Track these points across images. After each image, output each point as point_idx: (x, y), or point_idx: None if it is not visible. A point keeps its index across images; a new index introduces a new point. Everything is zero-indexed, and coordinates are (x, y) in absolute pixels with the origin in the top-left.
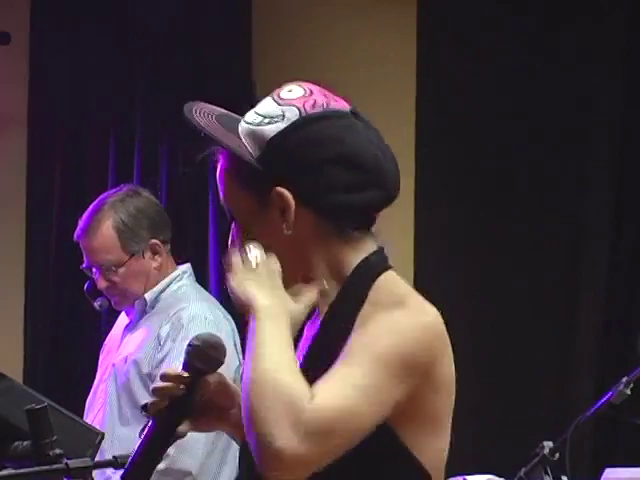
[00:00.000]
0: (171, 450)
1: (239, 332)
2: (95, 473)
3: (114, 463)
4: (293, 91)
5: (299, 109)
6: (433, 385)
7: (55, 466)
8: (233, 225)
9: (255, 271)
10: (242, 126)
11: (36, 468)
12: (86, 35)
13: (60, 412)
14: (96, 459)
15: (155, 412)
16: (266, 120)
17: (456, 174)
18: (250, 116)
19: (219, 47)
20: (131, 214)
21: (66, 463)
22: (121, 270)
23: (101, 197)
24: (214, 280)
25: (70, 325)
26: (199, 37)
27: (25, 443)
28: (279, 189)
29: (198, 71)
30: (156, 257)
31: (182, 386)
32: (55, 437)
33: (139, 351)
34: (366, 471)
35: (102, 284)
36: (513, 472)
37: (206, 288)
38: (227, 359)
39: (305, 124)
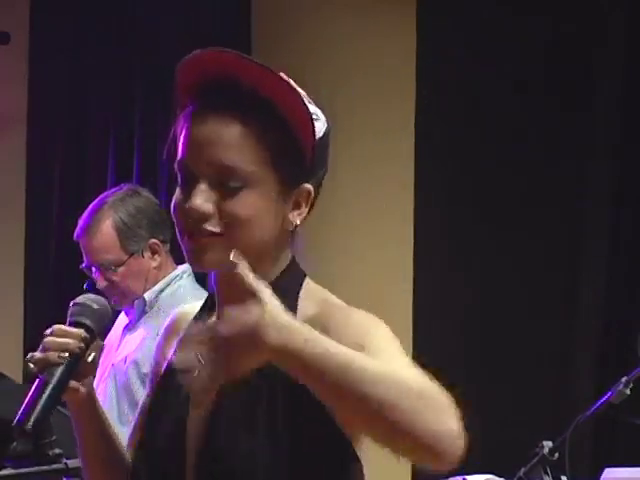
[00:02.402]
0: None
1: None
2: None
3: None
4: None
5: (322, 114)
6: None
7: (55, 466)
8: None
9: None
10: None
11: (36, 468)
12: (86, 35)
13: (60, 412)
14: None
15: (43, 368)
16: (315, 116)
17: (456, 174)
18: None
19: (219, 47)
20: (131, 214)
21: (66, 463)
22: (120, 269)
23: (101, 197)
24: (214, 280)
25: (70, 325)
26: (199, 37)
27: (25, 443)
28: (308, 186)
29: None
30: (155, 257)
31: (82, 345)
32: (55, 437)
33: (139, 351)
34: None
35: (101, 283)
36: (513, 472)
37: (206, 288)
38: None
39: (328, 132)
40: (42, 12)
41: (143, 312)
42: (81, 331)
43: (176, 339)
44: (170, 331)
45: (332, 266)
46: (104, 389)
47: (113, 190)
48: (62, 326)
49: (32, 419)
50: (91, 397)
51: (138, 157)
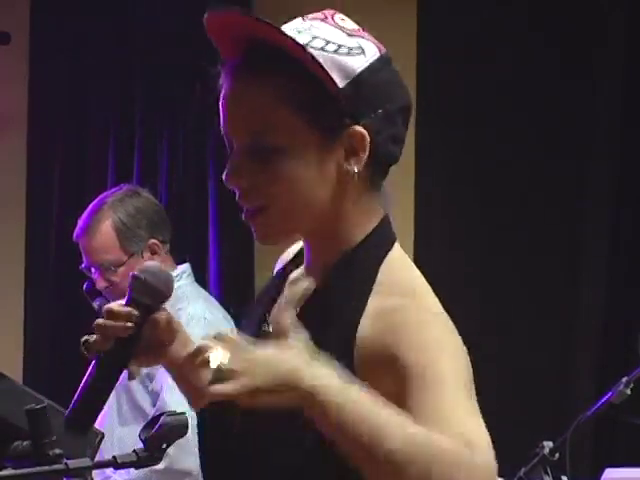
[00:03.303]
0: (171, 450)
1: (239, 332)
2: (95, 473)
3: (114, 463)
4: (347, 21)
5: (377, 47)
6: None
7: (55, 466)
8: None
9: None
10: (313, 50)
11: (36, 468)
12: (86, 35)
13: (60, 412)
14: (96, 459)
15: (97, 351)
16: (343, 50)
17: (456, 174)
18: (317, 42)
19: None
20: (130, 214)
21: (66, 463)
22: (120, 270)
23: (100, 197)
24: (213, 280)
25: (70, 325)
26: (199, 37)
27: (25, 443)
28: (359, 129)
29: (198, 71)
30: (155, 257)
31: (131, 325)
32: (55, 437)
33: None
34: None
35: (101, 284)
36: (513, 472)
37: (205, 288)
38: None
39: (385, 65)
40: (42, 12)
41: None
42: (130, 310)
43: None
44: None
45: None
46: None
47: (113, 190)
48: (113, 306)
49: (81, 416)
50: (174, 355)
51: (138, 157)
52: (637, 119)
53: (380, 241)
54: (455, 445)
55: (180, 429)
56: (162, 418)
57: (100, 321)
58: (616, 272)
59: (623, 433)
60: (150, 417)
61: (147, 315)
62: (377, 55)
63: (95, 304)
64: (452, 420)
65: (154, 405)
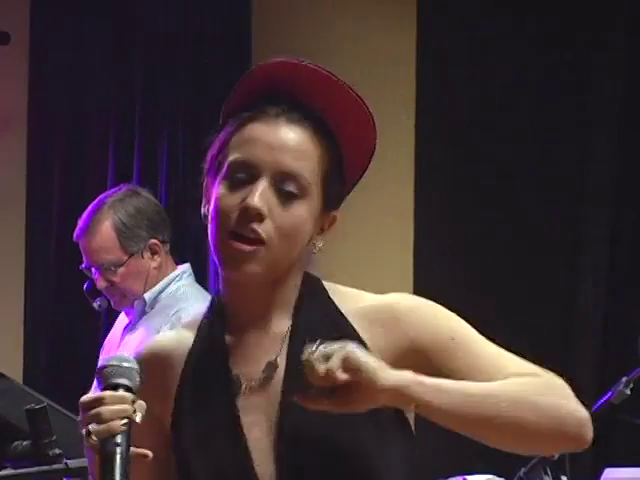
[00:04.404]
0: None
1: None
2: None
3: None
4: None
5: None
6: None
7: (55, 466)
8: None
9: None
10: None
11: (36, 468)
12: (86, 35)
13: (60, 412)
14: None
15: (109, 436)
16: None
17: (456, 174)
18: None
19: (219, 47)
20: (130, 214)
21: (66, 463)
22: (120, 270)
23: (100, 197)
24: (214, 280)
25: (70, 325)
26: (199, 37)
27: (25, 443)
28: (336, 215)
29: (198, 71)
30: (155, 257)
31: (132, 407)
32: (54, 437)
33: None
34: (376, 441)
35: (101, 284)
36: (513, 472)
37: (206, 288)
38: None
39: None
40: (42, 12)
41: (143, 312)
42: (130, 395)
43: (162, 376)
44: (151, 373)
45: (331, 263)
46: None
47: (113, 190)
48: (111, 393)
49: None
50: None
51: (138, 157)
52: (638, 120)
53: (314, 283)
54: (537, 378)
55: None
56: None
57: (109, 407)
58: (616, 272)
59: (623, 433)
60: None
61: (136, 398)
62: None
63: (95, 304)
64: (509, 365)
65: None
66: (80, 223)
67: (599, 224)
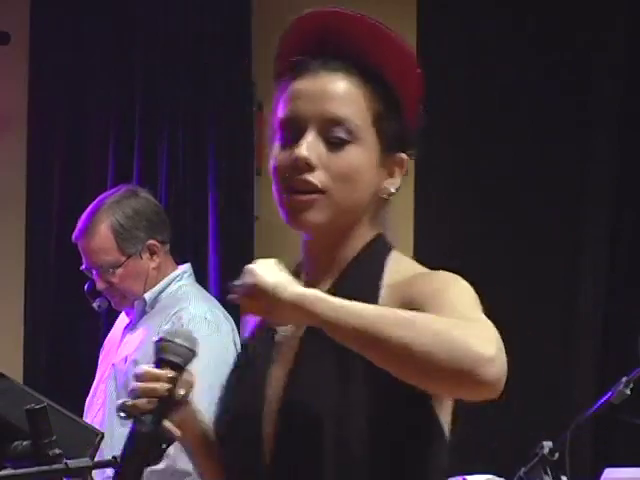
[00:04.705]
0: (171, 450)
1: (239, 332)
2: (95, 473)
3: (114, 463)
4: None
5: None
6: None
7: (55, 466)
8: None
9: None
10: None
11: (36, 468)
12: (86, 35)
13: (60, 412)
14: (96, 459)
15: (137, 414)
16: None
17: (456, 173)
18: None
19: (219, 47)
20: (128, 215)
21: (66, 463)
22: (119, 271)
23: (99, 198)
24: (214, 280)
25: (70, 325)
26: (199, 37)
27: (25, 443)
28: (405, 157)
29: (198, 71)
30: (154, 257)
31: (170, 386)
32: (54, 437)
33: (139, 351)
34: (405, 438)
35: (101, 285)
36: (513, 472)
37: (206, 288)
38: (226, 359)
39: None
40: (42, 12)
41: (143, 312)
42: (167, 372)
43: None
44: None
45: None
46: (105, 389)
47: (111, 191)
48: (149, 369)
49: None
50: (191, 423)
51: (138, 157)
52: (638, 119)
53: (380, 247)
54: (465, 320)
55: None
56: None
57: (140, 384)
58: (616, 272)
59: (623, 433)
60: None
61: (179, 375)
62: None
63: (95, 304)
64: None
65: None
66: (79, 225)
67: (599, 224)
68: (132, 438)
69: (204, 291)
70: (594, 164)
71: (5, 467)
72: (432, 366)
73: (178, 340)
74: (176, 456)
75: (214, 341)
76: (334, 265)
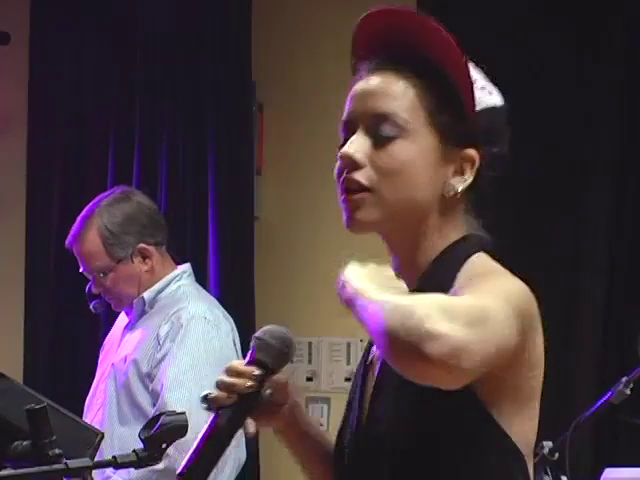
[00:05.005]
0: (171, 450)
1: (238, 332)
2: (95, 473)
3: (114, 463)
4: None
5: (501, 97)
6: (529, 361)
7: (55, 466)
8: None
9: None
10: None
11: (36, 468)
12: (86, 35)
13: (60, 412)
14: (96, 459)
15: (217, 406)
16: (479, 84)
17: None
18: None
19: (219, 47)
20: (116, 221)
21: (65, 463)
22: (110, 275)
23: (93, 202)
24: (214, 280)
25: (70, 325)
26: (199, 37)
27: (25, 443)
28: (473, 152)
29: (198, 71)
30: (146, 261)
31: (252, 383)
32: (55, 437)
33: (138, 351)
34: (463, 451)
35: (96, 289)
36: None
37: (206, 288)
38: (226, 358)
39: (503, 114)
40: (42, 12)
41: (143, 312)
42: (252, 369)
43: None
44: None
45: (330, 258)
46: (104, 389)
47: (105, 194)
48: (236, 364)
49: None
50: (291, 421)
51: (138, 157)
52: (638, 120)
53: (460, 250)
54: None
55: (180, 429)
56: (162, 418)
57: (223, 377)
58: (616, 272)
59: (623, 433)
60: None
61: (268, 375)
62: (501, 103)
63: (91, 306)
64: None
65: (154, 405)
66: (72, 230)
67: (599, 223)
68: (208, 429)
69: (204, 291)
70: (594, 164)
71: (5, 467)
72: (390, 337)
73: (273, 341)
74: (176, 457)
75: (213, 341)
76: (415, 267)
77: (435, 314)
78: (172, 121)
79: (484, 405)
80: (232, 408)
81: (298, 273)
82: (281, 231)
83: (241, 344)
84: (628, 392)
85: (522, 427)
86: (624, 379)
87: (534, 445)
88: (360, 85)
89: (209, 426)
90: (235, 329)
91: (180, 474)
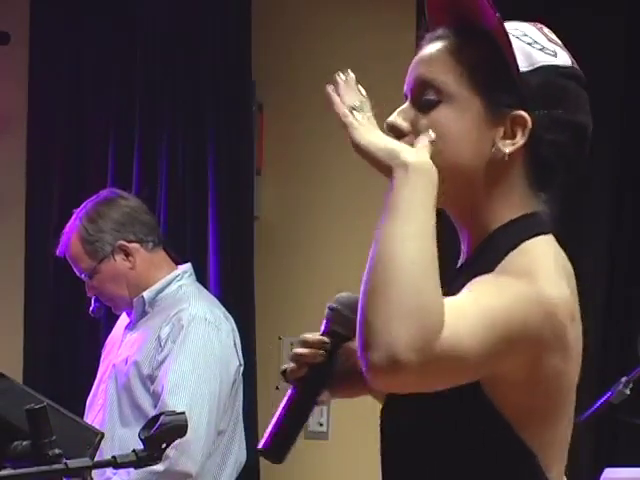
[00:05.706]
0: (171, 452)
1: (239, 332)
2: (95, 473)
3: (113, 463)
4: (553, 35)
5: (571, 60)
6: (531, 379)
7: (54, 466)
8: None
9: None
10: (510, 33)
11: (35, 468)
12: (86, 35)
13: (60, 412)
14: (96, 459)
15: (293, 379)
16: (537, 45)
17: None
18: (516, 32)
19: (219, 47)
20: (92, 220)
21: (65, 463)
22: (96, 277)
23: (82, 205)
24: (214, 280)
25: (70, 325)
26: (199, 37)
27: (25, 443)
28: (523, 114)
29: (198, 71)
30: (129, 258)
31: (322, 352)
32: (54, 437)
33: (140, 352)
34: (469, 450)
35: (89, 292)
36: None
37: (206, 288)
38: (226, 360)
39: (571, 77)
40: (42, 12)
41: (143, 312)
42: (321, 339)
43: None
44: None
45: (330, 257)
46: (105, 389)
47: (91, 199)
48: (306, 335)
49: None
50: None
51: (138, 157)
52: (638, 118)
53: (519, 230)
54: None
55: (179, 429)
56: (161, 418)
57: (295, 350)
58: (616, 272)
59: (623, 433)
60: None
61: (340, 343)
62: (567, 64)
63: (90, 310)
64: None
65: (155, 406)
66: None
67: (599, 223)
68: (286, 403)
69: (205, 290)
70: (594, 164)
71: (5, 467)
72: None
73: (346, 312)
74: (176, 458)
75: (214, 343)
76: (473, 239)
77: (392, 320)
78: (172, 121)
79: (495, 406)
80: (305, 379)
81: (298, 273)
82: (281, 231)
83: (241, 344)
84: (628, 392)
85: (549, 443)
86: (624, 379)
87: (561, 449)
88: (414, 59)
89: (287, 400)
90: (235, 329)
91: (261, 449)
